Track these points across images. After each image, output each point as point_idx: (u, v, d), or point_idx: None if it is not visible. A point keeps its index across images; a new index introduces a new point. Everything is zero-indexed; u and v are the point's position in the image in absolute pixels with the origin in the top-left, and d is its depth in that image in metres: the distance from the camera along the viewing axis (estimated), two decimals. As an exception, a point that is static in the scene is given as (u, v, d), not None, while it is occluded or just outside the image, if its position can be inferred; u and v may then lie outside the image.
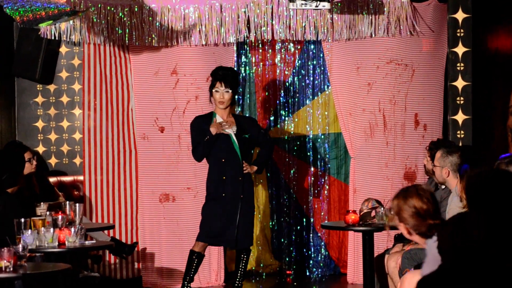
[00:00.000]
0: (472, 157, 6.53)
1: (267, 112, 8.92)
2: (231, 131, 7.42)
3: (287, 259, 8.88)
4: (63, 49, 8.91)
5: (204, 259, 7.57)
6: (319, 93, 8.90)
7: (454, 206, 6.10)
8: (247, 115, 8.64)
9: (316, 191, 8.91)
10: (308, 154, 8.92)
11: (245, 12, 8.17)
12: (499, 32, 8.70)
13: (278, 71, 8.88)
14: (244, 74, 8.85)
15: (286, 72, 8.89)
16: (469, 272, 3.51)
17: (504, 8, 8.57)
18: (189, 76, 8.37)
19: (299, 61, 8.89)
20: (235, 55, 8.58)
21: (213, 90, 7.45)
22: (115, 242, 7.54)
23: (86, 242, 6.12)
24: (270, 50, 8.87)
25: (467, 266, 3.52)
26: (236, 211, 7.34)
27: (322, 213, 8.89)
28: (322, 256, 8.86)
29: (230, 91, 7.42)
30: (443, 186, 6.69)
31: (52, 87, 8.96)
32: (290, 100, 8.92)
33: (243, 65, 8.86)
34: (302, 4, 7.38)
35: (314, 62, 8.86)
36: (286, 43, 8.80)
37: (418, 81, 8.38)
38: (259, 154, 7.74)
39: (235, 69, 8.28)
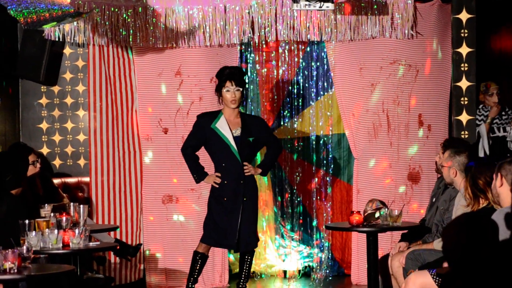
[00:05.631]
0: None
1: (271, 113, 8.91)
2: (230, 135, 7.35)
3: (291, 259, 8.88)
4: (67, 51, 8.91)
5: (208, 260, 7.56)
6: (323, 94, 8.89)
7: (460, 206, 6.09)
8: (254, 115, 8.55)
9: (319, 192, 8.91)
10: (312, 155, 8.92)
11: (249, 13, 8.17)
12: (503, 32, 8.70)
13: (281, 72, 8.88)
14: (248, 75, 8.84)
15: (289, 73, 8.89)
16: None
17: (508, 9, 8.57)
18: (193, 77, 8.37)
19: (303, 62, 8.88)
20: (239, 56, 8.58)
21: (224, 90, 7.34)
22: (119, 244, 7.54)
23: (90, 243, 6.12)
24: (273, 51, 8.87)
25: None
26: (238, 215, 7.28)
27: (325, 214, 8.88)
28: (326, 257, 8.86)
29: (241, 89, 7.39)
30: (453, 186, 6.68)
31: (56, 89, 8.96)
32: (293, 101, 8.91)
33: (247, 66, 8.85)
34: (305, 5, 7.37)
35: (318, 63, 8.86)
36: (290, 44, 8.79)
37: (422, 82, 8.37)
38: (266, 155, 7.65)
39: (239, 69, 8.24)
